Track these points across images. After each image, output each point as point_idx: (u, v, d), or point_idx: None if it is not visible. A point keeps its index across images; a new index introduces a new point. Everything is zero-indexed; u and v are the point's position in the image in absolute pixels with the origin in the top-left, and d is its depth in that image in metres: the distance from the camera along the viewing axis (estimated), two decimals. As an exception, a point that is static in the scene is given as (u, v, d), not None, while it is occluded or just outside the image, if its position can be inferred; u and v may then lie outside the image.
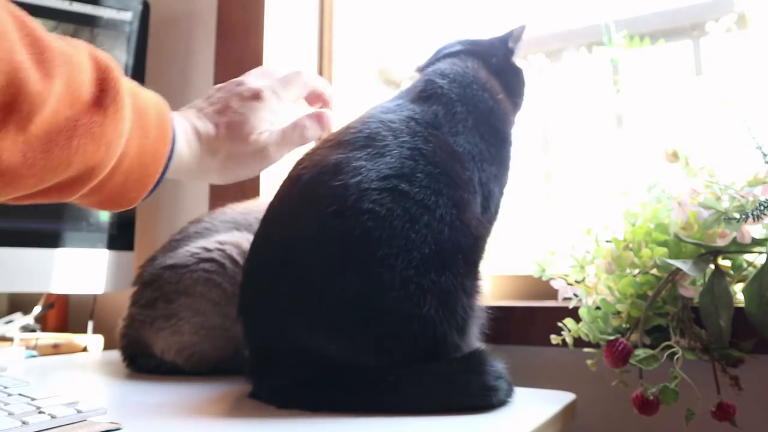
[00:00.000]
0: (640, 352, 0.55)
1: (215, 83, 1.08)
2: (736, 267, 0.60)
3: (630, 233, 0.63)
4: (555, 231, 0.92)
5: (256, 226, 0.61)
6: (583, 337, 0.63)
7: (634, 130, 0.91)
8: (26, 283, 0.93)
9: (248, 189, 1.00)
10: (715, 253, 0.59)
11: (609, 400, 0.69)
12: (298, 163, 0.60)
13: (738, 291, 0.59)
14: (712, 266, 0.59)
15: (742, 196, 0.57)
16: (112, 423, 0.45)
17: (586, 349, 0.63)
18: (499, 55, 0.73)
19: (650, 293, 0.60)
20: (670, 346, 0.56)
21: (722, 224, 0.57)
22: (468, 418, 0.49)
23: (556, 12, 1.04)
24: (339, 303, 0.51)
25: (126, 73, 1.03)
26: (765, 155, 0.57)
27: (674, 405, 0.54)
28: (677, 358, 0.55)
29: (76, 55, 0.39)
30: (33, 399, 0.47)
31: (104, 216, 0.98)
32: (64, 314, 1.16)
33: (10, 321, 0.98)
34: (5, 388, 0.51)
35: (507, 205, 0.66)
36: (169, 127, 0.47)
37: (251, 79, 0.56)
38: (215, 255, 0.72)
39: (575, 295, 0.68)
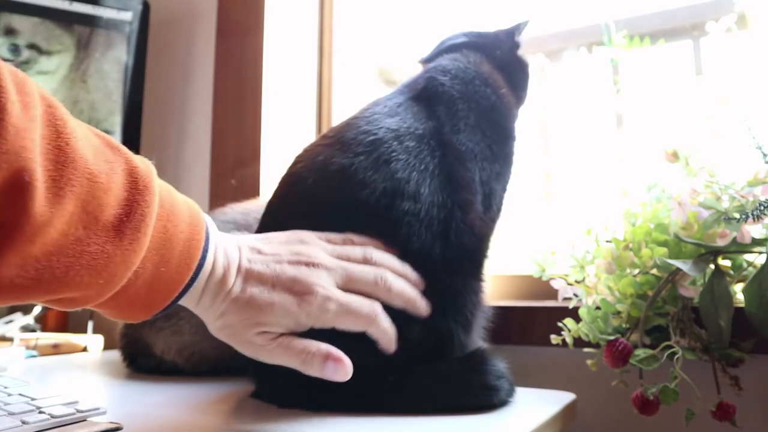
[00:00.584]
0: (640, 352, 0.55)
1: (215, 84, 1.08)
2: (736, 267, 0.60)
3: (630, 233, 0.63)
4: (555, 231, 0.92)
5: (255, 226, 0.61)
6: (583, 337, 0.63)
7: (634, 130, 0.91)
8: (26, 283, 0.92)
9: (248, 189, 1.00)
10: (715, 253, 0.59)
11: (609, 400, 0.69)
12: (297, 160, 0.59)
13: (738, 291, 0.59)
14: (712, 266, 0.59)
15: (742, 196, 0.57)
16: (112, 423, 0.45)
17: (586, 349, 0.63)
18: (504, 48, 0.72)
19: (650, 293, 0.60)
20: (670, 346, 0.56)
21: (722, 224, 0.57)
22: (468, 418, 0.49)
23: (556, 12, 1.04)
24: None
25: (126, 73, 1.04)
26: (765, 155, 0.57)
27: (674, 405, 0.54)
28: (677, 358, 0.55)
29: (106, 171, 0.36)
30: (33, 399, 0.47)
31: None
32: (64, 314, 1.16)
33: (10, 321, 0.98)
34: (5, 388, 0.51)
35: (507, 205, 0.66)
36: (195, 258, 0.42)
37: (329, 265, 0.47)
38: (215, 255, 0.71)
39: (575, 295, 0.68)
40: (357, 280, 0.48)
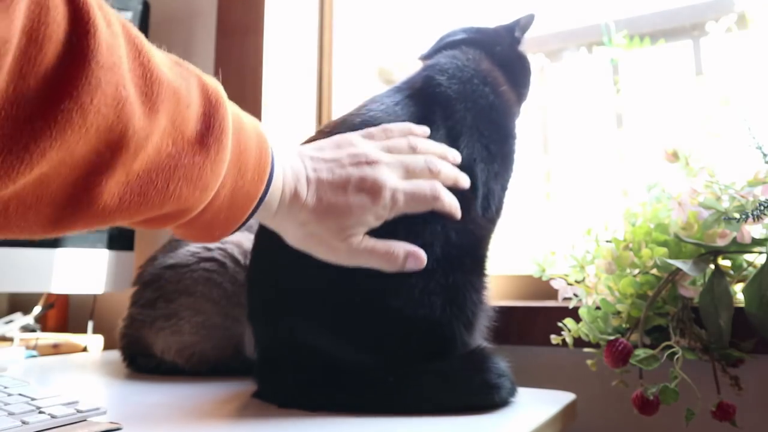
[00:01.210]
0: (640, 352, 0.55)
1: (215, 83, 1.08)
2: (736, 267, 0.60)
3: (630, 233, 0.63)
4: (555, 231, 0.92)
5: (256, 225, 0.61)
6: (583, 337, 0.63)
7: (634, 130, 0.91)
8: (26, 283, 0.93)
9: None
10: (715, 253, 0.59)
11: (609, 400, 0.69)
12: None
13: (738, 291, 0.59)
14: (712, 266, 0.59)
15: (742, 196, 0.57)
16: (112, 423, 0.45)
17: (586, 349, 0.63)
18: (504, 44, 0.71)
19: (650, 293, 0.60)
20: (670, 346, 0.56)
21: (722, 224, 0.57)
22: (468, 418, 0.49)
23: (556, 12, 1.04)
24: (349, 304, 0.51)
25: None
26: (765, 155, 0.57)
27: (674, 405, 0.54)
28: (677, 358, 0.55)
29: (185, 87, 0.37)
30: (33, 399, 0.47)
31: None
32: (64, 314, 1.16)
33: (10, 321, 0.98)
34: (5, 388, 0.51)
35: (508, 205, 0.66)
36: (266, 170, 0.43)
37: (386, 161, 0.51)
38: (216, 254, 0.71)
39: (575, 295, 0.68)
40: (412, 170, 0.53)
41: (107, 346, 0.99)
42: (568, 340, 0.64)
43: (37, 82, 0.28)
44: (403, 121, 0.58)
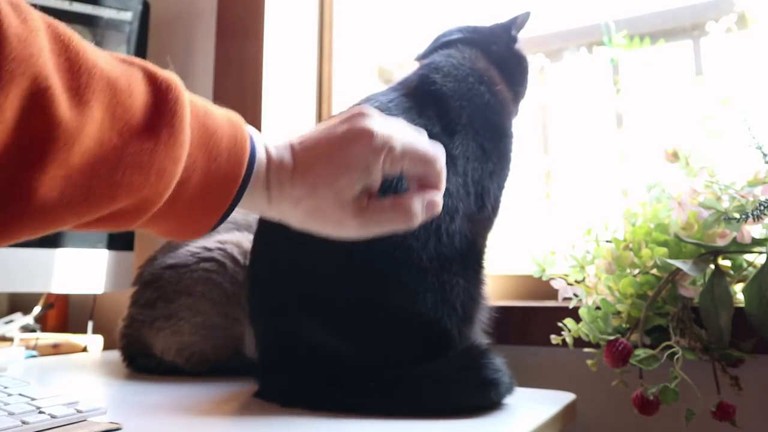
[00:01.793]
0: (640, 352, 0.55)
1: (215, 83, 1.08)
2: (736, 267, 0.60)
3: (630, 233, 0.63)
4: (555, 231, 0.92)
5: (256, 225, 0.61)
6: (583, 337, 0.63)
7: (634, 130, 0.91)
8: (26, 283, 0.93)
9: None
10: (715, 253, 0.59)
11: (609, 400, 0.69)
12: None
13: (738, 291, 0.59)
14: (712, 266, 0.59)
15: (742, 196, 0.57)
16: (112, 423, 0.45)
17: (586, 349, 0.63)
18: (501, 43, 0.71)
19: (650, 293, 0.60)
20: (670, 346, 0.56)
21: (722, 224, 0.57)
22: (469, 418, 0.49)
23: (556, 12, 1.04)
24: (347, 303, 0.51)
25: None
26: (765, 155, 0.57)
27: (674, 405, 0.54)
28: (677, 358, 0.55)
29: (124, 78, 0.36)
30: (33, 399, 0.47)
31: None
32: (64, 314, 1.16)
33: (10, 321, 0.98)
34: (5, 388, 0.51)
35: (507, 205, 0.66)
36: (245, 151, 0.41)
37: (383, 120, 0.45)
38: (216, 254, 0.72)
39: (575, 295, 0.68)
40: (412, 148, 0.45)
41: (107, 346, 0.99)
42: (568, 340, 0.64)
43: None
44: (398, 117, 0.58)
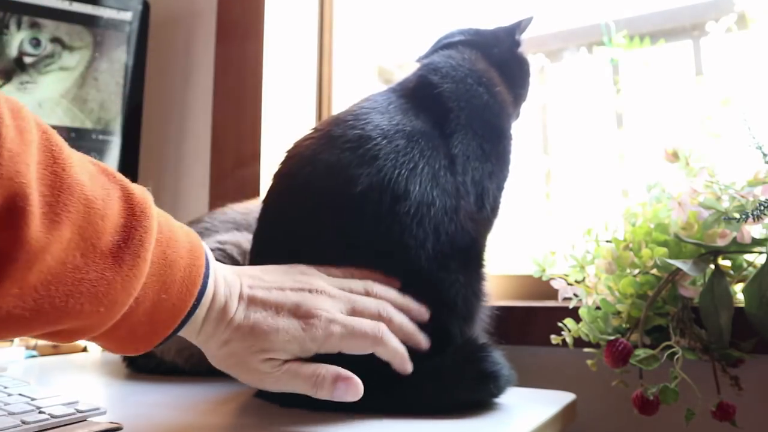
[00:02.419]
0: (640, 352, 0.55)
1: (215, 83, 1.08)
2: (736, 267, 0.60)
3: (630, 233, 0.63)
4: (555, 231, 0.92)
5: (255, 225, 0.61)
6: (583, 337, 0.63)
7: (634, 130, 0.91)
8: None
9: (248, 189, 1.00)
10: (715, 253, 0.59)
11: (609, 400, 0.69)
12: (288, 156, 0.59)
13: (738, 291, 0.59)
14: (712, 266, 0.59)
15: (742, 196, 0.57)
16: (112, 423, 0.45)
17: (586, 349, 0.63)
18: (502, 46, 0.71)
19: (650, 293, 0.60)
20: (670, 346, 0.56)
21: (722, 224, 0.57)
22: (468, 418, 0.49)
23: (556, 12, 1.04)
24: None
25: (126, 73, 1.04)
26: (765, 155, 0.57)
27: (674, 405, 0.54)
28: (677, 358, 0.55)
29: (102, 198, 0.36)
30: (33, 399, 0.47)
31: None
32: (64, 314, 1.15)
33: (10, 321, 0.98)
34: (5, 388, 0.51)
35: (507, 205, 0.66)
36: (197, 284, 0.41)
37: (332, 293, 0.48)
38: (215, 254, 0.71)
39: (575, 295, 0.68)
40: (360, 310, 0.48)
41: (107, 346, 0.99)
42: (568, 340, 0.64)
43: None
44: (395, 119, 0.58)
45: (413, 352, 0.51)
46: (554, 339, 0.66)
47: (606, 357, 0.56)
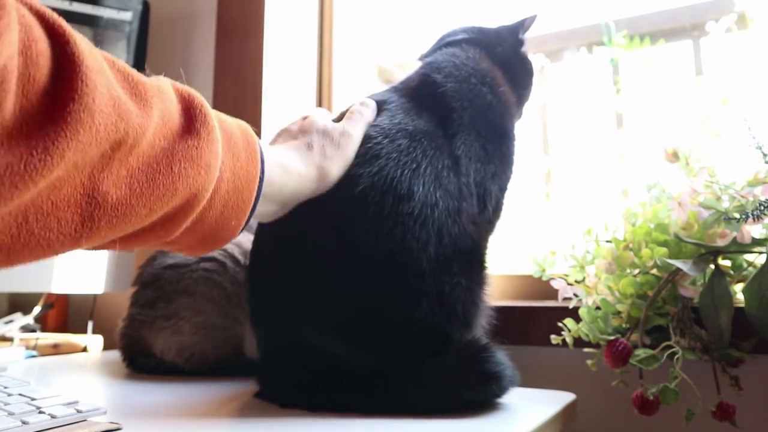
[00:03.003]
0: (640, 352, 0.55)
1: (215, 83, 1.08)
2: (736, 267, 0.60)
3: (630, 233, 0.63)
4: (555, 231, 0.93)
5: (255, 225, 0.61)
6: (583, 337, 0.63)
7: (634, 130, 0.91)
8: (26, 283, 0.93)
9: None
10: (715, 253, 0.59)
11: (609, 400, 0.69)
12: None
13: (738, 291, 0.59)
14: (712, 266, 0.59)
15: (742, 196, 0.57)
16: (112, 423, 0.45)
17: (586, 349, 0.63)
18: (506, 45, 0.70)
19: (650, 293, 0.60)
20: (670, 346, 0.56)
21: (722, 224, 0.57)
22: (468, 418, 0.49)
23: (556, 12, 1.04)
24: (347, 306, 0.51)
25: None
26: (765, 155, 0.57)
27: (674, 405, 0.54)
28: (677, 358, 0.55)
29: (164, 85, 0.40)
30: (33, 399, 0.47)
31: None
32: (64, 314, 1.16)
33: (10, 321, 0.98)
34: (5, 388, 0.51)
35: (507, 205, 0.65)
36: (257, 149, 0.46)
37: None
38: (216, 254, 0.71)
39: (575, 295, 0.68)
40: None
41: (107, 346, 0.99)
42: (568, 340, 0.64)
43: (38, 95, 0.30)
44: (397, 118, 0.58)
45: (414, 353, 0.51)
46: (554, 339, 0.66)
47: (606, 357, 0.56)
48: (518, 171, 0.66)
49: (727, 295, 0.56)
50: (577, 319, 0.63)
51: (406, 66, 0.70)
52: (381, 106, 0.59)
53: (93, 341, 0.98)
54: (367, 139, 0.55)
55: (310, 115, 0.56)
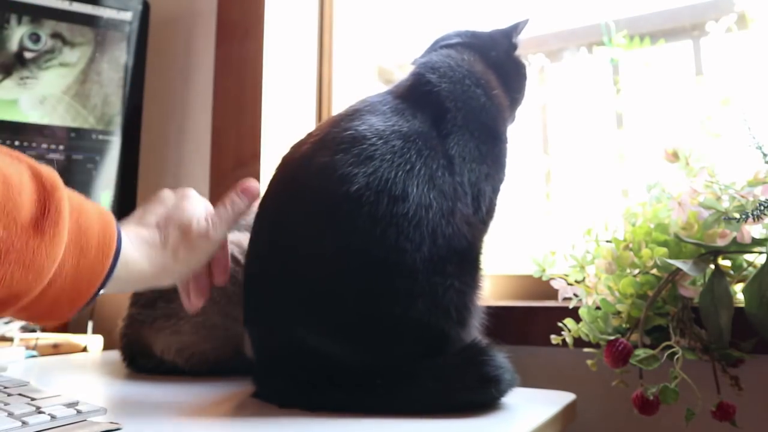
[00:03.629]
0: (640, 352, 0.55)
1: (215, 83, 1.08)
2: (736, 267, 0.60)
3: (630, 233, 0.63)
4: (555, 231, 0.93)
5: (252, 224, 0.61)
6: (583, 337, 0.63)
7: (634, 130, 0.91)
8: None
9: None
10: (715, 253, 0.59)
11: (609, 400, 0.69)
12: (284, 160, 0.59)
13: (738, 291, 0.59)
14: (712, 266, 0.59)
15: (742, 196, 0.57)
16: (112, 423, 0.45)
17: (586, 349, 0.63)
18: (500, 49, 0.71)
19: (650, 293, 0.60)
20: (670, 346, 0.56)
21: (722, 224, 0.57)
22: (468, 418, 0.49)
23: (556, 12, 1.04)
24: (342, 306, 0.51)
25: (126, 73, 1.04)
26: (765, 155, 0.57)
27: (674, 405, 0.54)
28: (677, 358, 0.55)
29: (16, 175, 0.39)
30: (33, 399, 0.47)
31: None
32: (64, 314, 1.15)
33: (10, 321, 0.98)
34: (5, 388, 0.51)
35: (507, 205, 0.65)
36: (112, 244, 0.45)
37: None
38: (215, 255, 0.71)
39: (575, 295, 0.68)
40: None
41: (107, 346, 0.99)
42: (568, 340, 0.64)
43: None
44: (391, 119, 0.58)
45: (411, 352, 0.51)
46: (554, 339, 0.66)
47: (606, 357, 0.56)
48: (517, 171, 0.66)
49: (727, 295, 0.56)
50: (577, 319, 0.63)
51: (405, 66, 0.70)
52: (375, 107, 0.60)
53: (93, 341, 0.98)
54: (360, 139, 0.54)
55: (182, 202, 0.55)
